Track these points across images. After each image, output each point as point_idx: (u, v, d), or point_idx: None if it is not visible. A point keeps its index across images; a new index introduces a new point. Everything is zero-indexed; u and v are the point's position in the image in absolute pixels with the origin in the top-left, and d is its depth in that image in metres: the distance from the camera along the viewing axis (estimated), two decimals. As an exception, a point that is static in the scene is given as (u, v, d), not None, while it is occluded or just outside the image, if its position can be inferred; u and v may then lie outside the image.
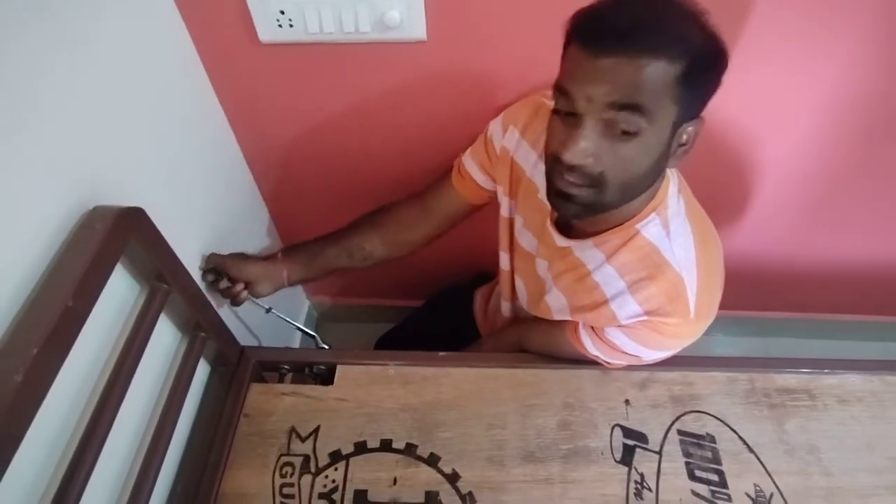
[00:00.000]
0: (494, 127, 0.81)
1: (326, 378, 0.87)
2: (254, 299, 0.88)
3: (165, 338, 0.76)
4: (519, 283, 0.88)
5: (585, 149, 0.55)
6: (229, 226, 0.97)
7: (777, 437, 0.79)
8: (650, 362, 0.76)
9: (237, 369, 0.86)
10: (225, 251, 0.88)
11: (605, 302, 0.68)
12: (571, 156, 0.55)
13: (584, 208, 0.61)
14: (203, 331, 0.80)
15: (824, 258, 1.20)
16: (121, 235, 0.59)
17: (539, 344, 0.86)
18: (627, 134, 0.53)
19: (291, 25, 0.79)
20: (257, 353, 0.89)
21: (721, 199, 1.06)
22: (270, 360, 0.89)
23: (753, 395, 0.83)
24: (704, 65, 0.53)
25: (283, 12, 0.77)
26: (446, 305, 1.16)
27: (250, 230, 1.08)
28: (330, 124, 0.95)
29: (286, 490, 0.76)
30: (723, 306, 0.69)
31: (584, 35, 0.53)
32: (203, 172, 0.87)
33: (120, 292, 0.65)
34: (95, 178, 0.60)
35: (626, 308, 0.67)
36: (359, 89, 0.89)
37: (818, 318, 1.42)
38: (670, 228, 0.66)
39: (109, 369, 0.62)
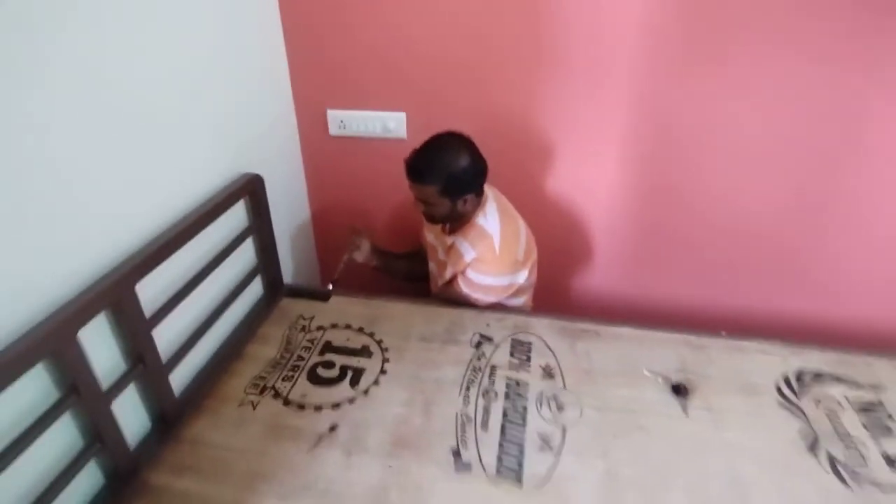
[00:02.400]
0: None
1: (325, 300, 1.53)
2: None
3: (246, 257, 1.48)
4: (435, 270, 1.56)
5: (418, 206, 1.34)
6: (294, 219, 1.75)
7: (569, 348, 1.34)
8: (494, 291, 1.39)
9: (279, 290, 1.55)
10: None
11: (463, 257, 1.37)
12: (416, 207, 1.34)
13: (435, 222, 1.37)
14: (268, 260, 1.52)
15: (659, 301, 1.77)
16: (251, 186, 1.38)
17: (446, 295, 1.51)
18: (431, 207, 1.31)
19: (345, 127, 1.67)
20: (289, 286, 1.59)
21: (574, 248, 1.74)
22: (296, 289, 1.57)
23: (564, 331, 1.40)
24: (455, 183, 1.27)
25: (342, 121, 1.66)
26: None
27: (299, 228, 1.85)
28: (358, 180, 1.77)
29: (289, 338, 1.38)
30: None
31: (405, 169, 1.31)
32: (284, 196, 1.69)
33: (237, 218, 1.40)
34: (243, 163, 1.41)
35: (469, 255, 1.36)
36: (374, 161, 1.72)
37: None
38: (488, 218, 1.37)
39: (212, 260, 1.33)
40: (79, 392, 0.89)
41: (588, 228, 1.70)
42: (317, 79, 1.61)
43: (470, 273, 1.38)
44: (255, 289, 1.52)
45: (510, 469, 1.03)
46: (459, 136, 1.30)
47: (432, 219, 1.40)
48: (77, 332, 0.87)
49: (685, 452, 1.07)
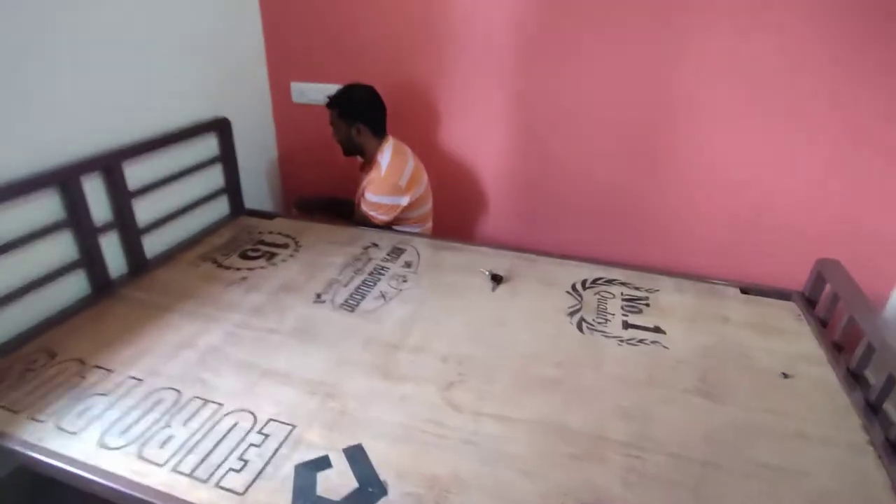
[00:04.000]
0: None
1: (270, 219, 2.06)
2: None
3: (217, 181, 2.03)
4: (355, 201, 2.07)
5: (333, 133, 1.88)
6: (266, 163, 2.31)
7: (432, 254, 1.80)
8: (381, 208, 1.89)
9: (240, 210, 2.10)
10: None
11: (363, 183, 1.88)
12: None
13: (345, 151, 1.91)
14: (232, 186, 2.07)
15: (535, 244, 2.18)
16: (220, 125, 1.94)
17: (357, 218, 2.01)
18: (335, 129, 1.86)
19: (304, 96, 2.23)
20: (249, 209, 2.13)
21: (470, 199, 2.20)
22: (253, 211, 2.11)
23: (435, 245, 1.86)
24: (349, 109, 1.85)
25: (302, 91, 2.22)
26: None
27: (269, 170, 2.40)
28: (312, 138, 2.31)
29: (236, 236, 1.91)
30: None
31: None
32: (258, 143, 2.25)
33: (209, 147, 1.96)
34: (220, 110, 1.98)
35: (367, 180, 1.87)
36: (324, 123, 2.25)
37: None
38: (384, 155, 1.88)
39: (186, 170, 1.89)
40: (77, 217, 1.44)
41: (481, 184, 2.16)
42: (284, 57, 2.18)
43: (366, 193, 1.89)
44: (223, 206, 2.07)
45: (350, 304, 1.51)
46: (365, 84, 1.87)
47: (342, 146, 1.94)
48: (80, 176, 1.42)
49: (476, 307, 1.52)
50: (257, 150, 2.26)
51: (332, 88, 2.12)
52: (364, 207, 1.92)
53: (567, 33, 1.85)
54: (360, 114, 1.85)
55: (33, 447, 1.04)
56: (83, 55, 1.43)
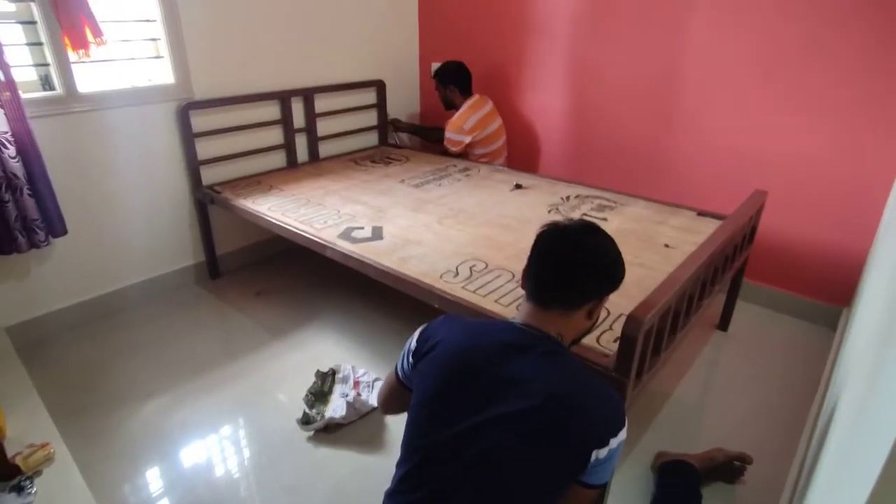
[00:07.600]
0: None
1: (397, 146, 3.07)
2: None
3: (373, 120, 3.11)
4: None
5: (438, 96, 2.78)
6: (405, 117, 3.35)
7: (489, 171, 2.58)
8: (450, 142, 2.76)
9: (384, 141, 3.15)
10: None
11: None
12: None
13: (445, 106, 2.80)
14: (381, 127, 3.13)
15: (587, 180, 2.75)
16: (378, 84, 3.01)
17: (441, 148, 2.89)
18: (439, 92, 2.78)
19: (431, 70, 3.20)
20: (390, 143, 3.18)
21: (535, 145, 2.89)
22: (393, 144, 3.15)
23: (492, 169, 2.63)
24: (442, 75, 2.76)
25: (433, 67, 3.19)
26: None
27: (411, 116, 3.43)
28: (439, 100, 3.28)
29: (374, 154, 2.96)
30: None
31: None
32: (406, 100, 3.30)
33: (370, 98, 3.05)
34: (380, 74, 3.06)
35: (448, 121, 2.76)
36: (449, 94, 3.20)
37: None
38: (464, 106, 2.75)
39: (355, 108, 2.99)
40: (286, 121, 2.61)
41: (544, 135, 2.86)
42: (430, 43, 3.18)
43: (446, 133, 2.77)
44: (374, 137, 3.15)
45: (417, 185, 2.42)
46: (457, 61, 2.75)
47: (443, 103, 2.83)
48: (290, 98, 2.60)
49: (492, 195, 2.28)
50: (405, 104, 3.31)
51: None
52: (445, 142, 2.81)
53: (607, 26, 2.47)
54: (450, 78, 2.74)
55: (243, 205, 2.17)
56: (301, 31, 2.60)
